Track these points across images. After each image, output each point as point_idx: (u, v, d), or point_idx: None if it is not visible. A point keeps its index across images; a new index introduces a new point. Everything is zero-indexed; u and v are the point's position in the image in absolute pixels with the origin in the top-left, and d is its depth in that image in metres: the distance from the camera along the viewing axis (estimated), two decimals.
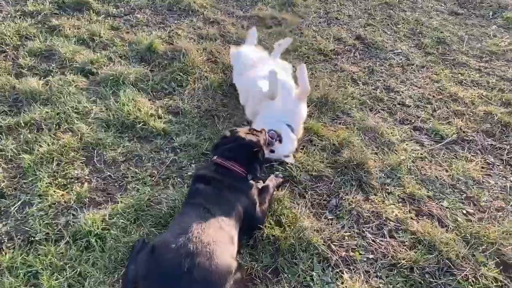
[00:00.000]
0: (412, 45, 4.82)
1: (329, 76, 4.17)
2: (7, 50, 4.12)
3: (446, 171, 3.25)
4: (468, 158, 3.38)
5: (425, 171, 3.23)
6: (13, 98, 3.55)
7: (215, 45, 4.44)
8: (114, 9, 4.97)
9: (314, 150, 3.31)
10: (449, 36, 5.01)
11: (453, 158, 3.38)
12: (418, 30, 5.10)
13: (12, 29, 4.35)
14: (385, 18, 5.32)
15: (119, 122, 3.39)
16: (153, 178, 3.00)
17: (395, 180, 3.14)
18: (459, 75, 4.36)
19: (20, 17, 4.60)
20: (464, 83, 4.25)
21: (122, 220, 2.65)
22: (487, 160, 3.39)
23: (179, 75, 3.96)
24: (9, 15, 4.64)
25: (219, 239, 2.19)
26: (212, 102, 3.73)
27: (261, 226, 2.62)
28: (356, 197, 2.95)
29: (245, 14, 5.13)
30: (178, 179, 3.01)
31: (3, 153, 3.04)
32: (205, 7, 5.16)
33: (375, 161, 3.27)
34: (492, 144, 3.53)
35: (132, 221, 2.67)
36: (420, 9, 5.62)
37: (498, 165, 3.35)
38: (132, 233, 2.59)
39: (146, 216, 2.71)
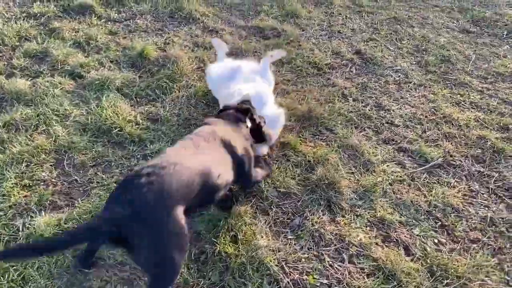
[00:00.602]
0: (414, 62, 4.65)
1: (318, 90, 4.06)
2: (5, 50, 4.24)
3: (425, 196, 3.09)
4: (451, 184, 3.21)
5: (401, 195, 3.08)
6: None
7: (208, 54, 4.42)
8: (116, 14, 5.04)
9: (287, 165, 3.22)
10: (455, 54, 4.82)
11: (435, 183, 3.21)
12: (423, 47, 4.93)
13: (13, 30, 4.48)
14: (390, 33, 5.17)
15: (96, 127, 3.40)
16: (117, 185, 2.98)
17: (367, 202, 3.00)
18: (458, 95, 4.17)
19: (24, 19, 4.73)
20: (462, 104, 4.06)
21: (77, 225, 2.64)
22: (471, 188, 3.20)
23: (166, 82, 3.95)
24: (14, 16, 4.78)
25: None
26: (193, 110, 3.70)
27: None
28: (321, 218, 2.84)
29: (246, 24, 5.09)
30: None
31: None
32: (206, 16, 5.16)
33: (349, 181, 3.14)
34: (480, 171, 3.34)
35: None
36: (430, 26, 5.44)
37: (483, 194, 3.16)
38: None
39: None
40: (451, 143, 3.59)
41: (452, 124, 3.80)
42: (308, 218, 2.84)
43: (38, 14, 4.83)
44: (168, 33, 4.80)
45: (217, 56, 3.88)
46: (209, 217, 2.74)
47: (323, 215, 2.87)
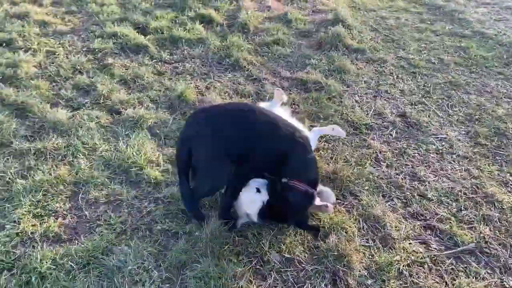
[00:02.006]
0: (463, 132, 4.32)
1: (351, 151, 3.88)
2: (58, 81, 4.53)
3: (446, 284, 2.76)
4: (481, 276, 2.84)
5: (418, 280, 2.77)
6: (39, 125, 3.85)
7: (245, 101, 4.42)
8: (168, 56, 5.24)
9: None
10: None
11: (461, 271, 2.87)
12: (476, 117, 4.58)
13: (70, 63, 4.80)
14: (443, 99, 4.88)
15: (118, 164, 3.47)
16: (123, 226, 2.97)
17: (378, 282, 2.73)
18: (508, 174, 3.77)
19: (83, 53, 5.06)
20: (511, 184, 3.67)
21: (71, 263, 2.64)
22: (505, 283, 2.81)
23: None
24: (74, 50, 5.13)
25: None
26: None
27: None
28: None
29: (290, 75, 5.07)
30: (147, 232, 2.95)
31: (4, 175, 3.26)
32: (253, 64, 5.21)
33: (363, 255, 2.89)
34: None
35: (81, 266, 2.65)
36: (489, 94, 5.07)
37: None
38: (75, 279, 2.56)
39: (96, 265, 2.67)
40: (489, 228, 3.22)
41: (494, 206, 3.42)
42: None
43: (97, 50, 5.14)
44: (212, 78, 4.88)
45: (271, 103, 3.84)
46: (201, 273, 2.62)
47: None
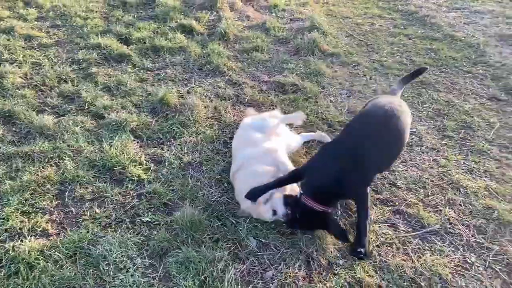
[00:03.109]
0: (432, 126, 4.56)
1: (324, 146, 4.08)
2: (43, 90, 4.69)
3: (412, 262, 2.96)
4: (444, 253, 3.05)
5: (387, 258, 2.97)
6: (26, 131, 4.01)
7: (225, 104, 4.62)
8: (150, 64, 5.44)
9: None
10: (478, 121, 4.66)
11: (427, 249, 3.07)
12: (445, 112, 4.83)
13: (55, 73, 4.97)
14: (413, 96, 5.13)
15: (102, 163, 3.63)
16: (107, 220, 3.13)
17: (349, 262, 2.92)
18: (473, 163, 4.00)
19: (68, 64, 5.24)
20: (475, 172, 3.89)
21: (58, 254, 2.79)
22: (467, 258, 3.02)
23: (177, 127, 4.17)
24: (60, 61, 5.31)
25: None
26: (197, 156, 3.85)
27: None
28: (297, 273, 2.79)
29: (269, 79, 5.29)
30: (130, 225, 3.11)
31: None
32: (233, 70, 5.43)
33: (336, 238, 3.08)
34: (479, 242, 3.15)
35: (68, 256, 2.80)
36: (457, 91, 5.33)
37: (478, 266, 2.96)
38: (63, 268, 2.71)
39: (82, 255, 2.82)
40: (454, 211, 3.43)
41: (459, 191, 3.64)
42: (282, 271, 2.80)
43: (81, 60, 5.33)
44: (193, 83, 5.08)
45: (286, 116, 4.09)
46: (182, 259, 2.79)
47: (299, 270, 2.83)
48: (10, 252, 2.79)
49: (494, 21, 7.55)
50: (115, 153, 3.70)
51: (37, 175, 3.46)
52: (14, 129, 4.03)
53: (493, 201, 3.52)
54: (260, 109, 4.62)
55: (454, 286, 2.80)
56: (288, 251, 2.97)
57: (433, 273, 2.87)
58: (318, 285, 2.73)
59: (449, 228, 3.27)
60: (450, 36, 6.97)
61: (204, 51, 5.78)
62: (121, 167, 3.59)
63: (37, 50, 5.55)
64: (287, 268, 2.82)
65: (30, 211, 3.15)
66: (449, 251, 3.07)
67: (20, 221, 3.04)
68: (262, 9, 7.68)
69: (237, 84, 5.15)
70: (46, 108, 4.37)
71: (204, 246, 2.91)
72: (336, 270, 2.86)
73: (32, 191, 3.31)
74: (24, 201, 3.21)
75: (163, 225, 3.10)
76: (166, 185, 3.48)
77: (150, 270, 2.78)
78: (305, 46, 6.04)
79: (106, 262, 2.77)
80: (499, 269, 2.95)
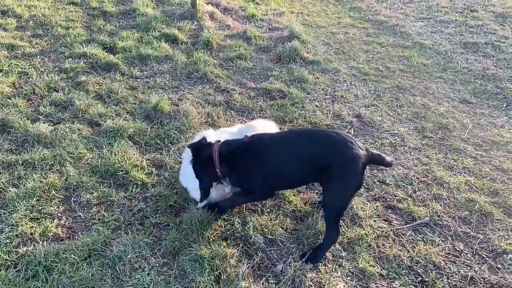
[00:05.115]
0: (412, 127, 4.88)
1: None
2: (34, 99, 4.70)
3: (408, 252, 3.20)
4: (436, 242, 3.31)
5: (385, 249, 3.20)
6: (23, 139, 4.02)
7: (217, 110, 4.77)
8: (139, 72, 5.52)
9: (278, 215, 3.40)
10: (453, 122, 5.03)
11: (420, 240, 3.32)
12: (422, 114, 5.17)
13: (44, 82, 4.98)
14: (392, 101, 5.46)
15: (105, 169, 3.70)
16: (116, 223, 3.22)
17: (351, 254, 3.13)
18: (452, 160, 4.33)
19: (55, 73, 5.25)
20: (455, 168, 4.21)
21: (74, 256, 2.85)
22: (456, 247, 3.29)
23: (174, 133, 4.28)
24: (47, 70, 5.31)
25: None
26: None
27: None
28: (304, 265, 2.97)
29: (255, 86, 5.49)
30: (139, 226, 3.21)
31: None
32: (220, 77, 5.59)
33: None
34: (466, 232, 3.43)
35: (83, 258, 2.87)
36: (431, 95, 5.71)
37: (466, 253, 3.23)
38: (80, 269, 2.78)
39: (97, 256, 2.90)
40: (440, 204, 3.71)
41: (443, 186, 3.94)
42: (291, 264, 2.97)
43: (69, 69, 5.35)
44: (183, 90, 5.21)
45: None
46: (195, 256, 2.92)
47: (306, 263, 3.00)
48: (25, 257, 2.83)
49: (458, 30, 8.10)
50: (117, 159, 3.77)
51: (41, 181, 3.49)
52: (10, 137, 4.03)
53: (473, 195, 3.83)
54: (251, 115, 4.81)
55: (448, 272, 3.06)
56: (294, 245, 3.15)
57: (427, 261, 3.12)
58: (326, 276, 2.92)
59: (438, 220, 3.54)
60: (420, 44, 7.43)
61: (190, 60, 5.92)
62: (123, 172, 3.68)
63: (22, 60, 5.53)
64: (295, 262, 2.99)
65: (39, 217, 3.19)
66: (439, 240, 3.34)
67: (30, 227, 3.08)
68: (241, 19, 7.91)
69: (225, 90, 5.32)
70: (40, 117, 4.38)
71: (215, 244, 3.04)
72: (340, 261, 3.06)
73: (38, 198, 3.34)
74: (31, 207, 3.25)
75: (172, 225, 3.21)
76: (170, 188, 3.59)
77: (165, 269, 2.89)
78: (287, 54, 6.29)
79: (122, 263, 2.86)
80: (485, 255, 3.23)
